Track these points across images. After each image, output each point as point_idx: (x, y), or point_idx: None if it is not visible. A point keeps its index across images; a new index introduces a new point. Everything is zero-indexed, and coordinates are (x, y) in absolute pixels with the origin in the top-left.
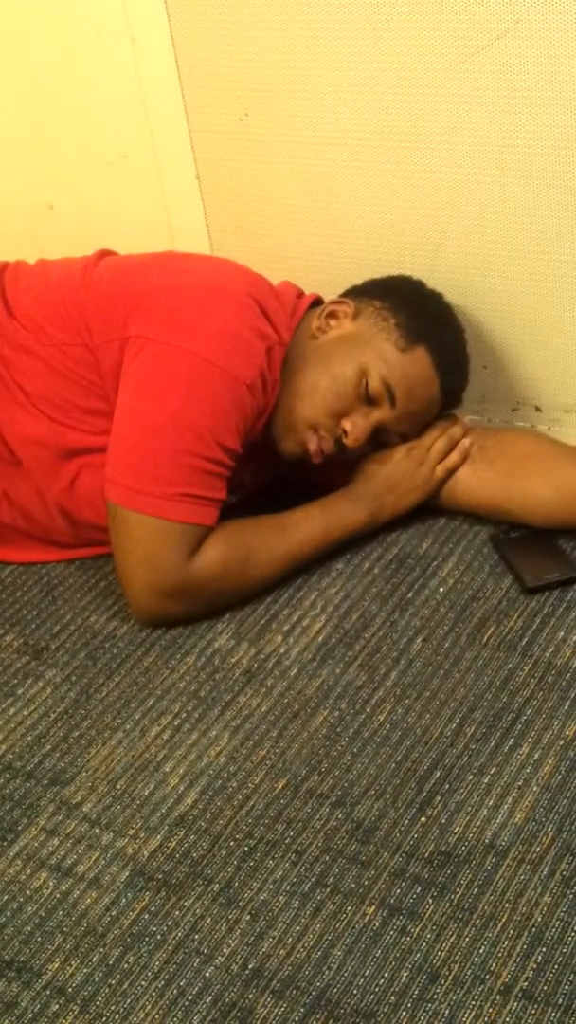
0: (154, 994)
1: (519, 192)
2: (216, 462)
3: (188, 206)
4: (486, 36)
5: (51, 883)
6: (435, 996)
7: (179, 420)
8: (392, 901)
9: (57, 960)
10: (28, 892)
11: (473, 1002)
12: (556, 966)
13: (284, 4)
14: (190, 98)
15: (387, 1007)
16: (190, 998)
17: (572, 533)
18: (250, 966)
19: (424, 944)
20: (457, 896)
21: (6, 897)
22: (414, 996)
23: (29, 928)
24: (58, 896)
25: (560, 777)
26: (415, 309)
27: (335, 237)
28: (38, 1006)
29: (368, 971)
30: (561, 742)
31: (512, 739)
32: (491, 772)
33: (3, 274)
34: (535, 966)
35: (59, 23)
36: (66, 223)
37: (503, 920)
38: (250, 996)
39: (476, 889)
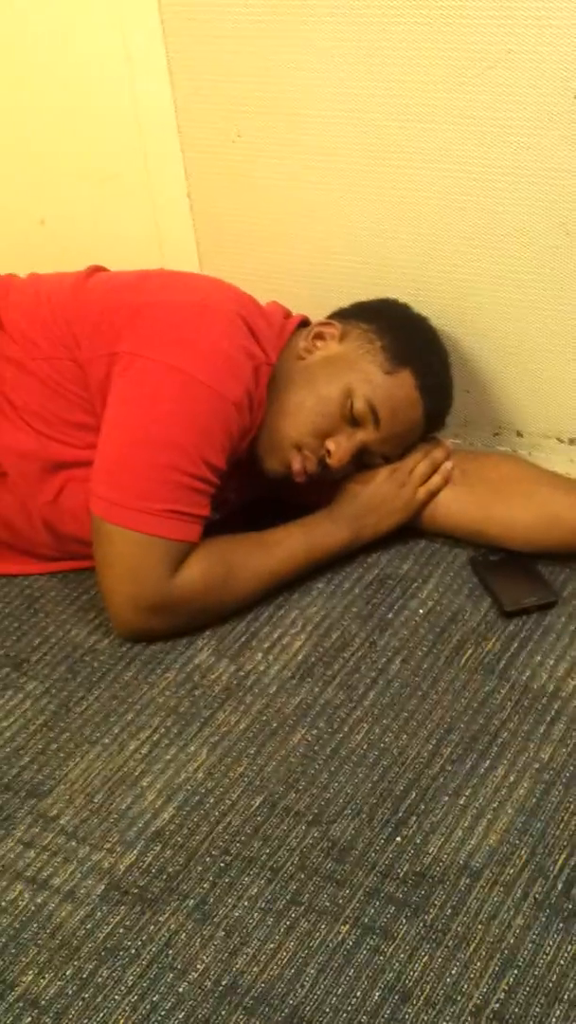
0: (127, 1008)
1: (505, 219)
2: (201, 479)
3: (179, 224)
4: (478, 65)
5: (26, 895)
6: (407, 1016)
7: (165, 436)
8: (366, 920)
9: (31, 973)
10: (3, 904)
11: (444, 1023)
12: (527, 988)
13: (279, 26)
14: (183, 117)
15: None
16: (163, 1013)
17: (551, 557)
18: (223, 982)
19: (397, 964)
20: (431, 916)
21: None
22: (386, 1016)
23: (3, 940)
24: (33, 908)
25: (535, 800)
26: (401, 332)
27: (323, 258)
28: (10, 1018)
29: (340, 989)
30: (536, 765)
31: (488, 761)
32: (467, 794)
33: None
34: (506, 988)
35: (56, 41)
36: (57, 238)
37: (476, 941)
38: (223, 1012)
39: (449, 910)
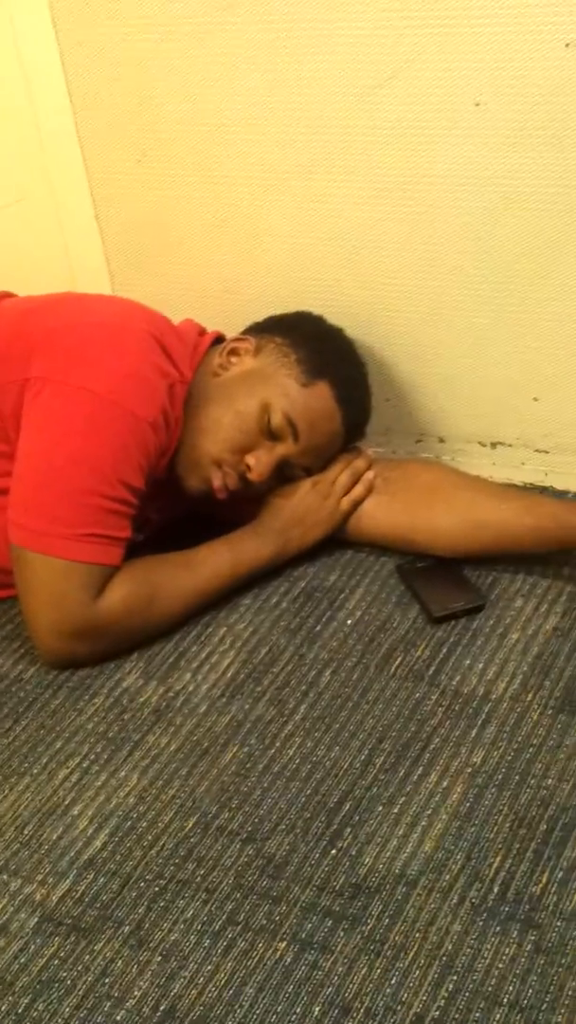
0: None
1: (418, 227)
2: (120, 501)
3: (88, 247)
4: (381, 74)
5: None
6: None
7: (81, 460)
8: (303, 936)
9: None
10: None
11: None
12: (467, 994)
13: (180, 43)
14: (86, 140)
15: None
16: None
17: (477, 562)
18: (161, 1007)
19: (336, 977)
20: (368, 928)
21: None
22: None
23: None
24: None
25: (468, 805)
26: (316, 344)
27: (236, 274)
28: None
29: (280, 1007)
30: (469, 770)
31: (420, 768)
32: (400, 802)
33: None
34: (446, 995)
35: None
36: None
37: (414, 950)
38: None
39: (387, 920)
